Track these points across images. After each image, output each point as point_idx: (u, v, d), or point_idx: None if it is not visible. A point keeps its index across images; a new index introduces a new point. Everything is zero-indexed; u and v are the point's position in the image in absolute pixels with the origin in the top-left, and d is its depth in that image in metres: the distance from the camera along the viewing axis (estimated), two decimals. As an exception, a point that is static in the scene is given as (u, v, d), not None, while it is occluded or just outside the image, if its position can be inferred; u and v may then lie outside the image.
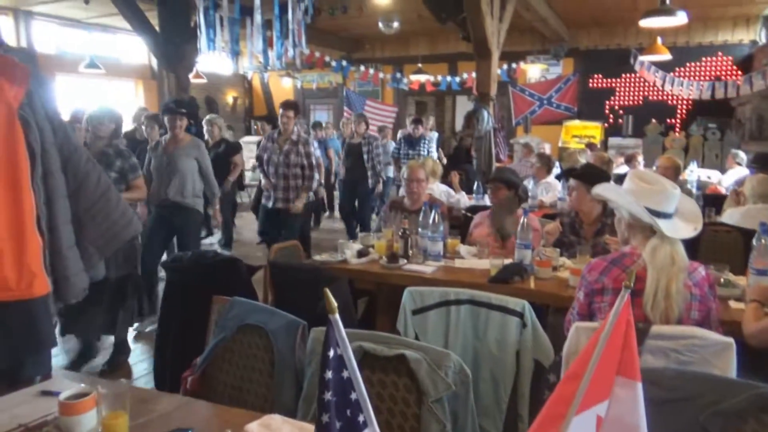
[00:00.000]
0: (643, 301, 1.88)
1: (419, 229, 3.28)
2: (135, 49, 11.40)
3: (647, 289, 1.88)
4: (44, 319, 1.54)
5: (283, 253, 3.34)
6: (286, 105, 4.95)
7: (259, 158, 5.19)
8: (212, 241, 7.23)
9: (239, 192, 9.18)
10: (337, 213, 8.99)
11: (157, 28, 8.06)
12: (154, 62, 11.07)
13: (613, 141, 10.30)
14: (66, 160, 1.66)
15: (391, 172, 7.92)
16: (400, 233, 3.22)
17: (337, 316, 0.77)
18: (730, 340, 1.77)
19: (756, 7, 8.97)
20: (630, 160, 7.36)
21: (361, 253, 3.21)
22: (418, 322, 2.26)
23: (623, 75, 10.72)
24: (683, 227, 1.97)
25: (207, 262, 2.45)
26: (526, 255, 2.96)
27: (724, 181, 6.42)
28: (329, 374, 0.76)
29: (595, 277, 2.05)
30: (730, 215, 3.88)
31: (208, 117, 7.27)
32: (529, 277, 2.85)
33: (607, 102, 11.00)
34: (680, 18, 5.26)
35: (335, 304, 0.77)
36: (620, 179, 7.10)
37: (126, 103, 11.46)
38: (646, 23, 5.58)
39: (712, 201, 4.67)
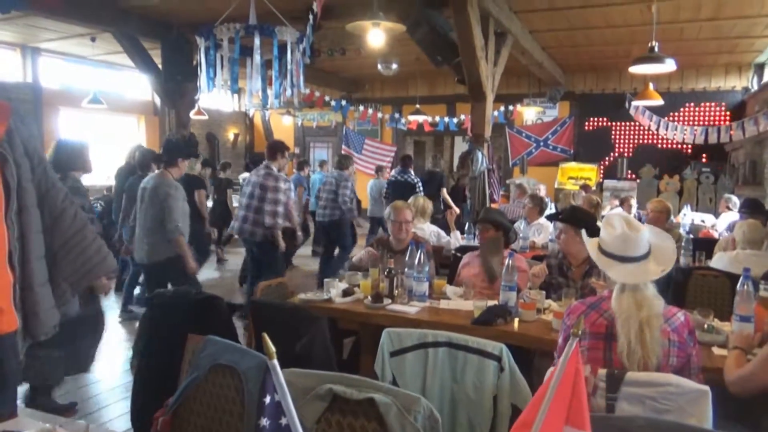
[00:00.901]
0: (617, 349, 1.87)
1: (405, 269, 3.28)
2: (138, 85, 11.62)
3: (620, 337, 1.87)
4: (11, 356, 1.53)
5: (269, 290, 3.34)
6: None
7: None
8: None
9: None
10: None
11: (159, 66, 8.26)
12: (157, 99, 11.26)
13: (608, 183, 10.37)
14: (43, 196, 1.68)
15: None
16: (385, 273, 3.21)
17: (275, 361, 0.77)
18: (706, 388, 1.75)
19: (747, 56, 9.17)
20: (623, 203, 7.42)
21: (346, 293, 3.20)
22: (396, 363, 2.23)
23: (618, 118, 10.88)
24: (648, 271, 1.97)
25: (187, 300, 2.44)
26: (510, 297, 2.94)
27: (717, 225, 6.44)
28: (264, 421, 0.75)
29: (574, 320, 2.04)
30: (718, 259, 3.88)
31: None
32: (512, 320, 2.83)
33: (603, 145, 11.12)
34: (669, 65, 5.37)
35: (273, 348, 0.77)
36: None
37: (128, 138, 11.62)
38: (635, 70, 5.70)
39: (704, 245, 4.66)
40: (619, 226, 2.05)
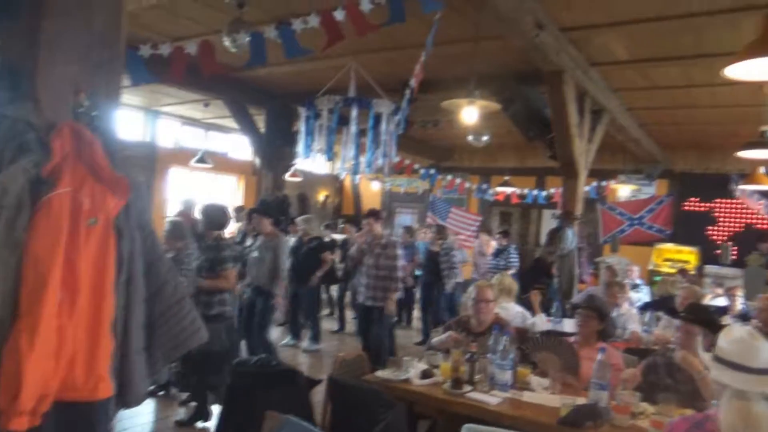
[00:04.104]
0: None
1: (488, 354, 3.15)
2: (241, 147, 12.42)
3: None
4: (103, 422, 1.59)
5: (347, 363, 3.32)
6: (366, 214, 5.70)
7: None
8: (295, 342, 7.28)
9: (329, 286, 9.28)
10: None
11: (262, 130, 8.83)
12: (257, 160, 11.96)
13: (709, 269, 9.63)
14: (149, 266, 1.79)
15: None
16: (466, 357, 3.11)
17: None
18: None
19: None
20: (729, 292, 6.84)
21: (425, 374, 3.12)
22: (474, 462, 2.11)
23: (722, 200, 10.20)
24: (762, 382, 1.75)
25: (268, 371, 2.47)
26: (601, 397, 2.74)
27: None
28: None
29: (675, 440, 1.85)
30: None
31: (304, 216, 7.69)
32: (603, 423, 2.62)
33: (704, 227, 10.41)
34: (783, 151, 5.02)
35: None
36: (717, 312, 6.57)
37: (228, 196, 12.35)
38: (745, 154, 5.37)
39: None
40: (740, 332, 1.87)
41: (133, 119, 10.74)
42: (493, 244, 9.23)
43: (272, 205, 8.57)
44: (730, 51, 3.85)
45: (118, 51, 1.86)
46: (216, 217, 4.39)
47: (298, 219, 7.64)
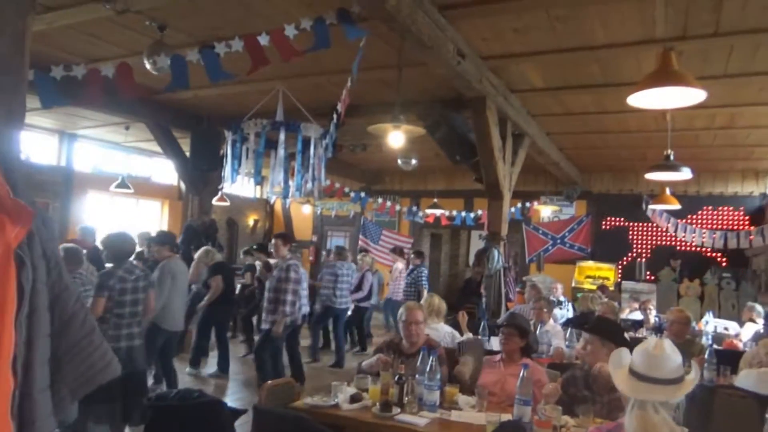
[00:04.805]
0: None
1: (416, 375, 3.17)
2: (165, 171, 12.02)
3: None
4: (0, 468, 1.47)
5: (275, 390, 3.24)
6: (275, 236, 5.99)
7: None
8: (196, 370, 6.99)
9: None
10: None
11: (187, 154, 8.58)
12: (182, 184, 11.61)
13: (626, 285, 10.18)
14: (55, 299, 1.68)
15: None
16: (395, 379, 3.11)
17: None
18: None
19: (763, 163, 9.25)
20: (643, 306, 7.25)
21: (354, 398, 3.09)
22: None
23: (636, 219, 10.85)
24: (663, 392, 1.88)
25: (191, 404, 2.37)
26: (525, 412, 2.81)
27: (742, 335, 6.21)
28: None
29: (591, 449, 1.93)
30: (745, 377, 3.69)
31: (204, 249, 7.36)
32: (527, 438, 2.69)
33: (620, 245, 11.02)
34: (685, 174, 5.43)
35: None
36: (633, 325, 6.90)
37: (151, 221, 11.89)
38: (652, 176, 5.76)
39: (729, 358, 4.45)
40: (648, 345, 1.99)
41: (46, 142, 10.19)
42: (400, 266, 9.72)
43: (198, 231, 8.34)
44: (634, 80, 4.17)
45: (22, 75, 1.78)
46: (116, 246, 4.13)
47: (199, 252, 7.30)
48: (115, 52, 5.56)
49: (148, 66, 4.72)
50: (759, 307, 6.43)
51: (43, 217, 1.73)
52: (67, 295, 1.72)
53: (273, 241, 5.87)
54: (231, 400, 5.67)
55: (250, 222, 14.25)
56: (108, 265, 4.34)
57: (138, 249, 6.28)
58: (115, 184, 9.66)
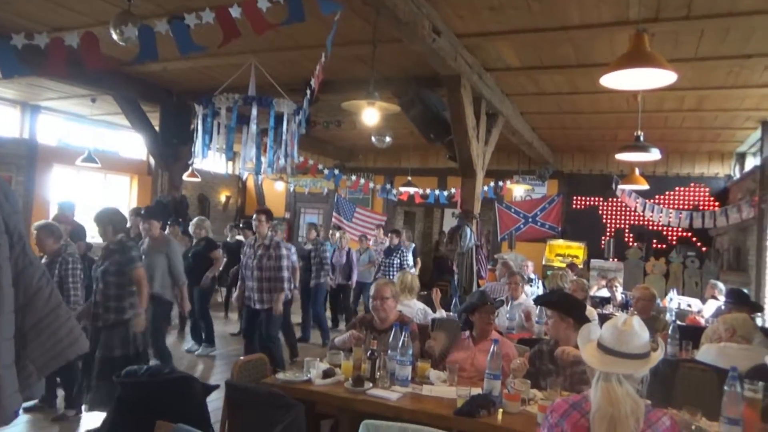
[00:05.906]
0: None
1: (389, 351, 3.20)
2: (133, 145, 11.74)
3: None
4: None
5: (247, 367, 3.24)
6: (258, 211, 5.74)
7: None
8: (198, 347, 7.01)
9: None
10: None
11: (156, 128, 8.38)
12: (151, 159, 11.37)
13: (595, 263, 10.41)
14: (19, 274, 1.64)
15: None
16: (368, 354, 3.14)
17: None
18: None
19: (729, 145, 9.49)
20: (609, 283, 7.42)
21: (326, 374, 3.11)
22: (373, 458, 2.14)
23: (606, 199, 11.06)
24: (630, 365, 1.94)
25: (160, 380, 2.36)
26: (495, 386, 2.87)
27: (704, 311, 6.42)
28: None
29: (556, 419, 1.99)
30: (705, 352, 3.81)
31: (197, 219, 7.44)
32: (496, 411, 2.75)
33: (590, 224, 11.23)
34: (654, 155, 5.53)
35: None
36: (602, 302, 7.06)
37: (120, 197, 11.64)
38: (622, 157, 5.85)
39: (691, 333, 4.61)
40: (616, 321, 2.05)
41: (8, 114, 9.83)
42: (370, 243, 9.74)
43: (168, 207, 8.20)
44: (607, 62, 4.20)
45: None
46: (117, 220, 4.26)
47: (193, 222, 7.37)
48: (80, 21, 5.36)
49: (114, 37, 4.56)
50: (721, 285, 6.65)
51: (5, 191, 1.68)
52: (31, 270, 1.68)
53: (255, 216, 5.70)
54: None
55: (222, 198, 14.06)
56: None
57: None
58: (81, 158, 9.39)
